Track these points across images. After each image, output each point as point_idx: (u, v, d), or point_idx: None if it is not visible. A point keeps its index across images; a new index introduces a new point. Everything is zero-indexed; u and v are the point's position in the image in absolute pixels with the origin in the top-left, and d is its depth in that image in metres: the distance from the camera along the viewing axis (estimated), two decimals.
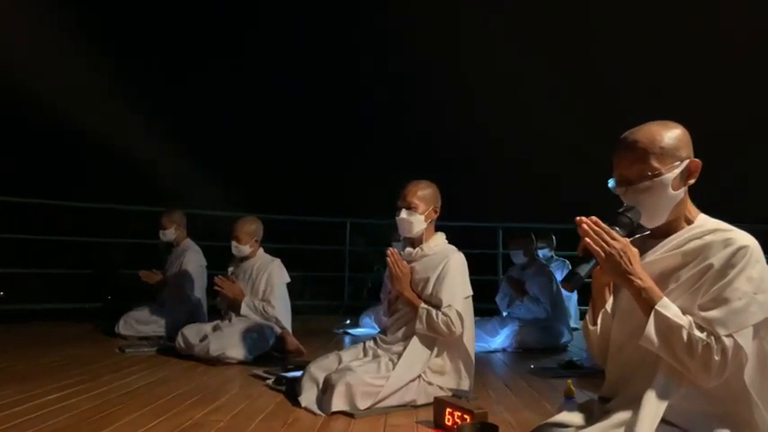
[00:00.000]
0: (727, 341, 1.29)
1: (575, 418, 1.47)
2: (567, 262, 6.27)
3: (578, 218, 1.44)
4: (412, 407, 2.53)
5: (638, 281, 1.38)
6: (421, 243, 2.78)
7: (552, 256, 6.16)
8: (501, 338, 4.55)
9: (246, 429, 2.18)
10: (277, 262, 4.12)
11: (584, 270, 1.42)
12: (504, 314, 5.04)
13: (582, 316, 6.29)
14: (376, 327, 5.35)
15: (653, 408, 1.32)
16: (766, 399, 1.35)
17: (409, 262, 2.77)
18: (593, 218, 1.43)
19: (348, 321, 5.61)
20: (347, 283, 7.44)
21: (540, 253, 5.71)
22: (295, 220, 7.97)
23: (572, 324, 5.43)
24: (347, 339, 5.06)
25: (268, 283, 4.00)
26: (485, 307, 5.32)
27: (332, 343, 4.73)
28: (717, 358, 1.28)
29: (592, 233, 1.40)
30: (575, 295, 6.13)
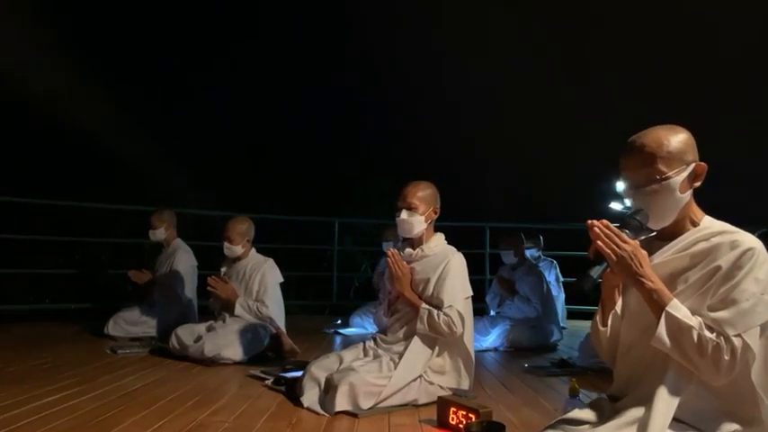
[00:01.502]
0: (736, 341, 1.34)
1: (587, 415, 1.50)
2: (555, 262, 6.36)
3: (589, 221, 1.48)
4: (413, 406, 2.56)
5: (649, 283, 1.42)
6: (421, 244, 2.80)
7: (539, 256, 6.23)
8: (492, 338, 4.60)
9: (252, 430, 2.19)
10: (270, 262, 4.11)
11: (596, 272, 1.45)
12: (493, 313, 5.10)
13: (569, 315, 6.40)
14: (366, 327, 5.42)
15: (665, 405, 1.37)
16: None
17: (409, 263, 2.79)
18: (604, 221, 1.47)
19: (339, 321, 5.62)
20: (335, 283, 7.44)
21: (528, 253, 5.75)
22: (283, 219, 7.95)
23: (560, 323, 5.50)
24: (338, 339, 5.07)
25: (261, 284, 3.99)
26: (473, 306, 5.36)
27: (324, 343, 4.74)
28: (726, 358, 1.33)
29: (603, 236, 1.44)
30: (562, 295, 6.23)
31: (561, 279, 6.33)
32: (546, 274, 5.66)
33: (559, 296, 6.09)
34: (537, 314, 4.72)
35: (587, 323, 6.51)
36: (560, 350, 4.59)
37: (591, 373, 3.48)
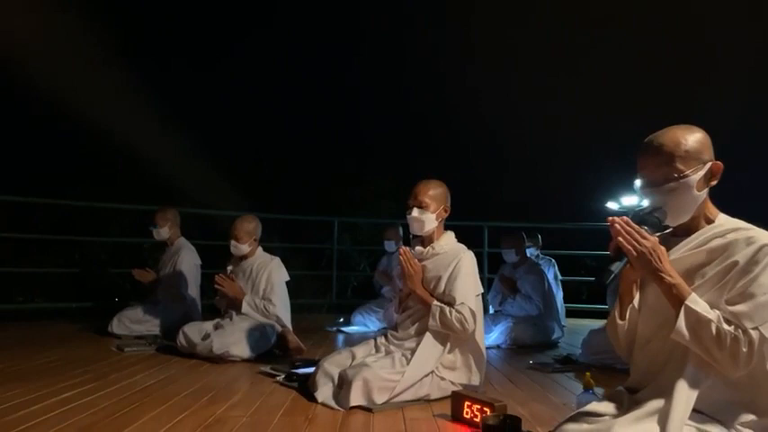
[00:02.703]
0: (754, 334, 1.38)
1: (606, 407, 1.54)
2: (553, 260, 6.41)
3: (611, 218, 1.53)
4: (425, 401, 2.60)
5: (668, 278, 1.47)
6: (432, 242, 2.84)
7: (539, 255, 6.28)
8: (495, 335, 4.64)
9: (270, 425, 2.22)
10: (276, 260, 4.13)
11: (617, 267, 1.50)
12: (492, 311, 5.15)
13: (568, 313, 6.47)
14: (368, 325, 5.46)
15: (685, 396, 1.41)
16: None
17: (420, 260, 2.83)
18: (625, 218, 1.52)
19: (341, 319, 5.65)
20: (335, 282, 7.47)
21: (528, 252, 5.82)
22: (283, 218, 7.96)
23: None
24: (341, 337, 5.10)
25: (268, 282, 4.01)
26: None
27: (327, 341, 4.77)
28: (744, 350, 1.38)
29: (624, 232, 1.49)
30: (560, 293, 6.28)
31: (560, 277, 6.39)
32: (545, 272, 5.71)
33: (558, 294, 6.14)
34: (539, 312, 4.77)
35: (585, 321, 6.60)
36: (561, 347, 4.64)
37: (594, 369, 3.53)
